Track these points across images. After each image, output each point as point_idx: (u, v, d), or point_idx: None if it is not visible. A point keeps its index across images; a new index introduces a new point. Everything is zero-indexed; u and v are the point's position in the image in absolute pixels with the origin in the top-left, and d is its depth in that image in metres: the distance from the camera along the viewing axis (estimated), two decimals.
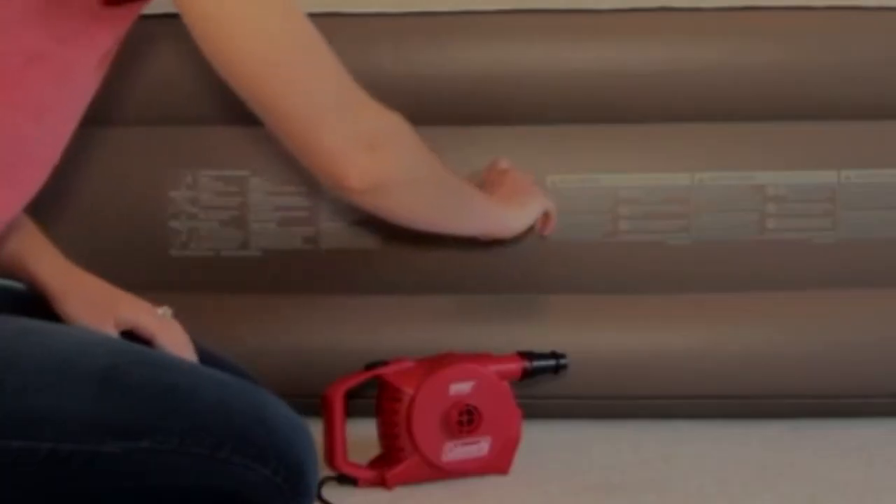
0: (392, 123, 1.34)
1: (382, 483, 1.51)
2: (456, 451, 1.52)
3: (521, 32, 1.69)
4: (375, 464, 1.54)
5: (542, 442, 1.64)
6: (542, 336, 1.66)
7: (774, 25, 1.70)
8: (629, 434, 1.69)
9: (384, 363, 1.52)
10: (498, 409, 1.53)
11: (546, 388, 1.69)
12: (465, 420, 1.51)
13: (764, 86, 1.69)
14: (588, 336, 1.71)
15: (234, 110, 1.58)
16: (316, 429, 1.40)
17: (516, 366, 1.56)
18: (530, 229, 1.63)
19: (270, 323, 1.72)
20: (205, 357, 1.44)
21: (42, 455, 1.18)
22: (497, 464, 1.54)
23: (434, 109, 1.69)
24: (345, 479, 1.51)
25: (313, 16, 1.64)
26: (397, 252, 1.71)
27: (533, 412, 1.60)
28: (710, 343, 1.71)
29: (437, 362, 1.53)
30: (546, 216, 1.65)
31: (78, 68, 1.26)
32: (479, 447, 1.53)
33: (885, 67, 1.69)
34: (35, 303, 1.42)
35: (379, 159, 1.31)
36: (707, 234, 1.72)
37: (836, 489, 1.50)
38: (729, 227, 1.72)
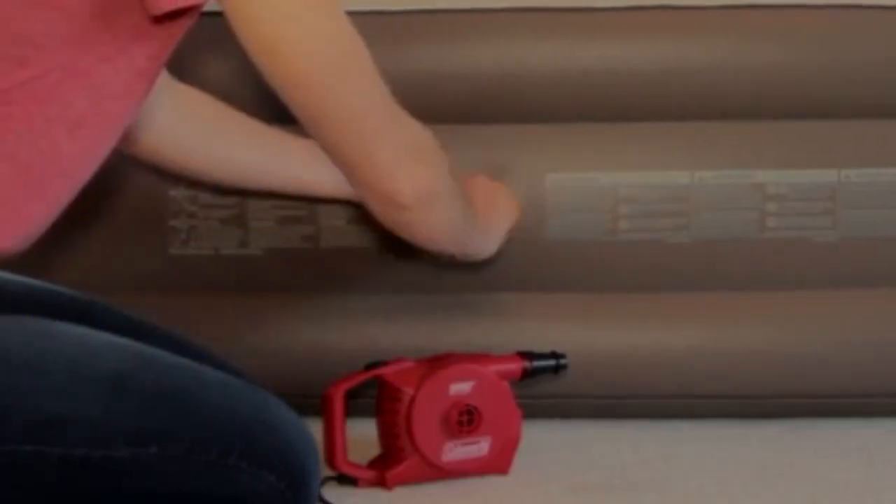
0: (426, 133, 1.36)
1: (382, 483, 1.51)
2: (456, 451, 1.52)
3: (522, 31, 1.69)
4: (375, 464, 1.54)
5: (542, 442, 1.64)
6: (542, 336, 1.66)
7: (774, 24, 1.70)
8: (629, 434, 1.69)
9: (384, 363, 1.52)
10: (498, 409, 1.53)
11: (546, 388, 1.69)
12: (465, 420, 1.51)
13: (764, 84, 1.69)
14: (588, 336, 1.71)
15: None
16: (316, 429, 1.40)
17: (516, 366, 1.55)
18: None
19: (270, 322, 1.72)
20: (204, 357, 1.44)
21: (53, 460, 1.17)
22: (497, 464, 1.54)
23: (434, 109, 1.69)
24: (345, 479, 1.51)
25: None
26: (397, 251, 1.71)
27: (533, 412, 1.60)
28: (710, 343, 1.71)
29: (437, 362, 1.53)
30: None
31: (115, 86, 1.25)
32: (479, 447, 1.53)
33: (885, 67, 1.69)
34: (36, 303, 1.42)
35: (426, 170, 1.34)
36: (707, 233, 1.72)
37: (836, 489, 1.50)
38: (729, 225, 1.72)
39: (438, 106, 1.69)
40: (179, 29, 1.26)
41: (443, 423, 1.51)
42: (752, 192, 1.71)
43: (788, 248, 1.72)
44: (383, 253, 1.72)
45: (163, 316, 1.52)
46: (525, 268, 1.72)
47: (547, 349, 1.58)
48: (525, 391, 1.60)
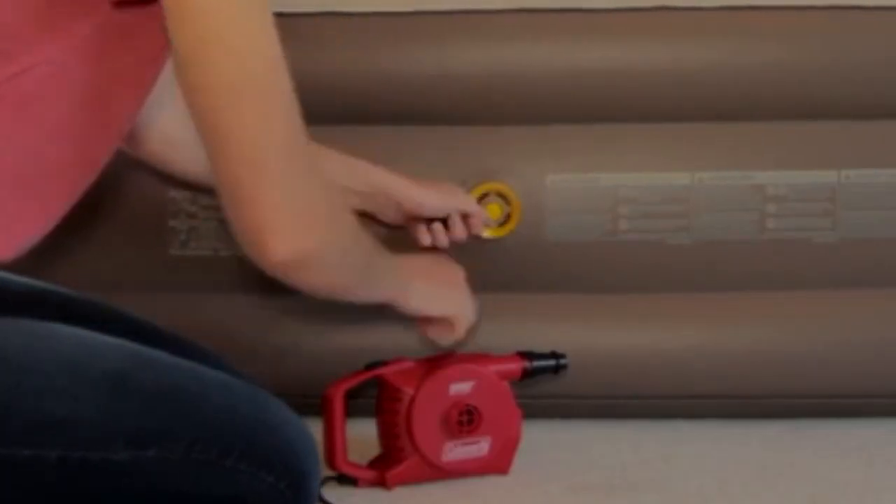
0: (330, 197, 1.26)
1: (382, 483, 1.51)
2: (456, 451, 1.52)
3: (522, 32, 1.68)
4: (375, 464, 1.54)
5: (542, 442, 1.64)
6: (542, 336, 1.66)
7: (774, 25, 1.70)
8: (629, 434, 1.69)
9: (384, 363, 1.52)
10: (498, 409, 1.53)
11: (546, 388, 1.69)
12: (465, 420, 1.51)
13: (764, 86, 1.69)
14: (588, 336, 1.71)
15: None
16: (316, 429, 1.40)
17: (516, 366, 1.55)
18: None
19: (270, 322, 1.72)
20: (204, 358, 1.44)
21: (52, 461, 1.17)
22: (497, 464, 1.54)
23: (435, 110, 1.69)
24: (345, 480, 1.51)
25: (314, 16, 1.66)
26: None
27: (533, 412, 1.60)
28: (710, 343, 1.71)
29: (436, 362, 1.53)
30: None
31: (97, 88, 1.25)
32: (479, 447, 1.53)
33: (885, 67, 1.69)
34: (36, 303, 1.42)
35: (307, 237, 1.23)
36: (707, 234, 1.72)
37: (836, 489, 1.50)
38: (729, 226, 1.72)
39: (439, 107, 1.70)
40: (147, 18, 1.24)
41: (443, 423, 1.51)
42: (752, 192, 1.71)
43: (788, 248, 1.72)
44: None
45: (163, 316, 1.52)
46: (525, 268, 1.72)
47: (547, 349, 1.58)
48: (525, 391, 1.60)
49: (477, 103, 1.70)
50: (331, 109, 1.66)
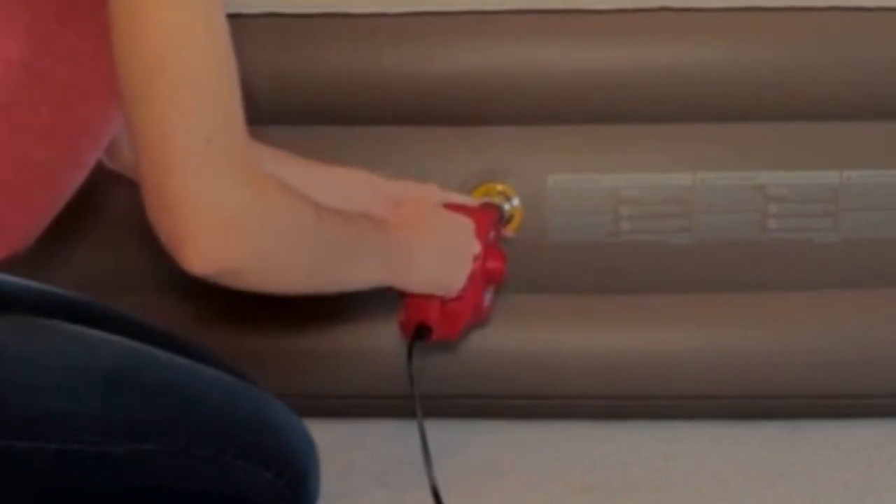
0: (268, 199, 1.13)
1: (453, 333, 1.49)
2: (488, 298, 1.54)
3: (521, 32, 1.69)
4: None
5: (542, 442, 1.64)
6: (542, 336, 1.66)
7: (776, 26, 1.70)
8: (629, 434, 1.69)
9: None
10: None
11: (546, 389, 1.69)
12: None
13: (766, 86, 1.69)
14: (589, 336, 1.71)
15: None
16: (316, 429, 1.40)
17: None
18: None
19: (270, 322, 1.72)
20: (204, 357, 1.44)
21: (49, 455, 1.18)
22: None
23: (436, 111, 1.70)
24: (421, 333, 1.46)
25: (315, 16, 1.66)
26: None
27: (533, 412, 1.60)
28: (710, 343, 1.71)
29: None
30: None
31: (82, 90, 1.25)
32: (490, 296, 1.55)
33: (886, 68, 1.69)
34: (35, 303, 1.43)
35: (235, 244, 1.11)
36: (708, 235, 1.72)
37: (836, 489, 1.50)
38: (730, 227, 1.72)
39: (440, 107, 1.70)
40: None
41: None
42: (753, 193, 1.71)
43: (790, 249, 1.72)
44: None
45: (163, 316, 1.53)
46: (526, 269, 1.72)
47: (547, 349, 1.58)
48: (525, 391, 1.60)
49: (478, 104, 1.70)
50: (330, 110, 1.67)
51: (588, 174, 1.72)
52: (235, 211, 1.10)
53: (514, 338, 1.67)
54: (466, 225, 1.49)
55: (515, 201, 1.68)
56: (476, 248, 1.48)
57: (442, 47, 1.69)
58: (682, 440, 1.67)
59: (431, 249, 1.42)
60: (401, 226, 1.39)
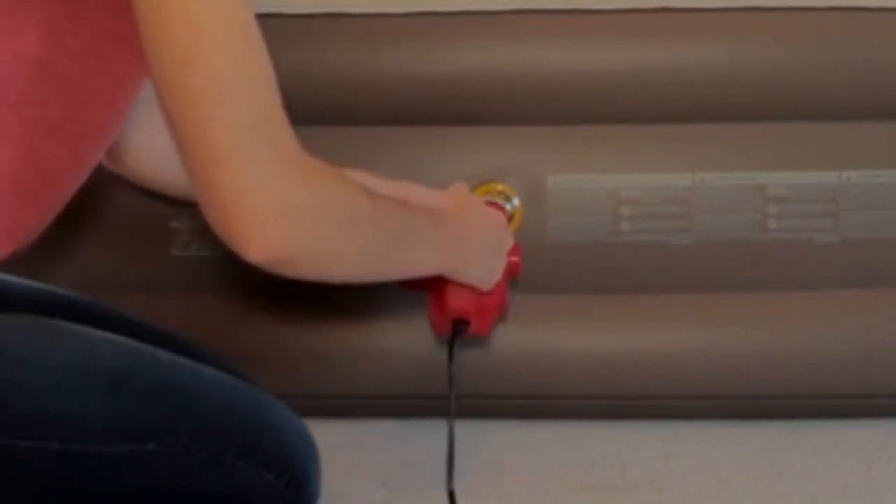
0: (322, 187, 1.13)
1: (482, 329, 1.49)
2: (508, 293, 1.55)
3: (521, 32, 1.69)
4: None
5: (542, 442, 1.64)
6: (542, 337, 1.66)
7: (775, 26, 1.70)
8: (629, 434, 1.69)
9: None
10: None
11: (546, 388, 1.69)
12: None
13: (764, 86, 1.69)
14: (589, 336, 1.71)
15: None
16: (316, 429, 1.40)
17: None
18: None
19: (270, 322, 1.72)
20: (204, 357, 1.44)
21: (49, 455, 1.17)
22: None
23: (436, 111, 1.70)
24: (458, 327, 1.45)
25: (315, 16, 1.66)
26: None
27: (533, 412, 1.60)
28: (710, 343, 1.71)
29: None
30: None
31: (91, 88, 1.25)
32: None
33: (886, 68, 1.69)
34: (36, 303, 1.42)
35: (293, 231, 1.11)
36: (708, 235, 1.72)
37: (836, 489, 1.50)
38: (730, 227, 1.72)
39: (440, 108, 1.70)
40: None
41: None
42: (753, 193, 1.71)
43: (789, 249, 1.72)
44: None
45: (164, 317, 1.52)
46: (526, 269, 1.72)
47: (547, 349, 1.58)
48: (525, 391, 1.60)
49: (478, 104, 1.70)
50: (330, 110, 1.67)
51: (588, 174, 1.72)
52: (290, 199, 1.10)
53: (514, 338, 1.67)
54: (501, 219, 1.53)
55: (515, 201, 1.69)
56: (511, 241, 1.51)
57: (442, 47, 1.69)
58: (682, 440, 1.67)
59: (479, 240, 1.43)
60: (455, 214, 1.39)
